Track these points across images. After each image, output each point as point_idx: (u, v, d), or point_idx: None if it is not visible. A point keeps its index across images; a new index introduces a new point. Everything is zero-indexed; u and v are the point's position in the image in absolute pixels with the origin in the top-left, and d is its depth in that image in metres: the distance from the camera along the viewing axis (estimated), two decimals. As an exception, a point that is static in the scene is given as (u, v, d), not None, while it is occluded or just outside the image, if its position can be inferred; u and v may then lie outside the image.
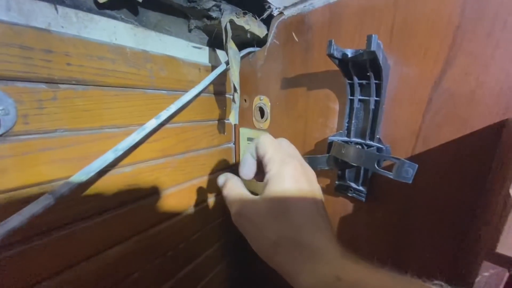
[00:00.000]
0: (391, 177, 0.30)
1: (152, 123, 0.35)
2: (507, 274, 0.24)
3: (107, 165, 0.32)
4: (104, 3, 0.36)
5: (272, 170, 0.26)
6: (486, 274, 0.24)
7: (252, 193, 0.29)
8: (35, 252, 0.31)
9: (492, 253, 0.24)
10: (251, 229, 0.26)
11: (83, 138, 0.34)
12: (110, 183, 0.38)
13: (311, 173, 0.30)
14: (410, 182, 0.28)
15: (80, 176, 0.28)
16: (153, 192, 0.46)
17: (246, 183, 0.31)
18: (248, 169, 0.31)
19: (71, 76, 0.32)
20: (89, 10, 0.36)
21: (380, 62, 0.31)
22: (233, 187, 0.30)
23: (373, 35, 0.29)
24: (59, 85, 0.32)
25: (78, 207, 0.35)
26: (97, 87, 0.35)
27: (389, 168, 0.31)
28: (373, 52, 0.30)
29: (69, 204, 0.33)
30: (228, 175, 0.32)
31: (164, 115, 0.36)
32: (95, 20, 0.36)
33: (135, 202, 0.43)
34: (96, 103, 0.35)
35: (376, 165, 0.31)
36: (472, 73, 0.31)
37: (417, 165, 0.28)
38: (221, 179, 0.32)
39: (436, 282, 0.20)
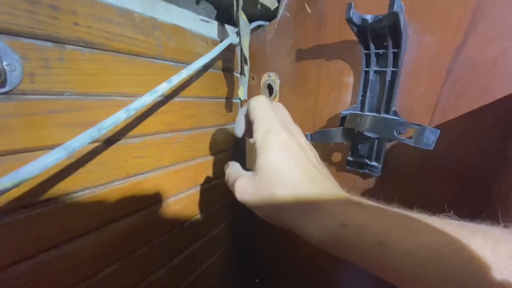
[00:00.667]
0: (411, 144, 0.29)
1: (164, 86, 0.34)
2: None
3: (118, 125, 0.31)
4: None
5: (257, 140, 0.27)
6: None
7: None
8: (38, 219, 0.30)
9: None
10: (253, 201, 0.26)
11: (91, 103, 0.33)
12: (118, 153, 0.37)
13: (300, 137, 0.30)
14: (431, 148, 0.28)
15: (92, 132, 0.26)
16: (160, 167, 0.45)
17: (248, 150, 0.32)
18: (239, 128, 0.33)
19: (78, 36, 0.31)
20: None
21: (401, 27, 0.30)
22: (232, 171, 0.31)
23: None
24: (66, 45, 0.30)
25: (85, 175, 0.34)
26: (104, 51, 0.34)
27: (409, 137, 0.31)
28: (396, 14, 0.28)
29: (76, 171, 0.32)
30: (228, 163, 0.34)
31: (176, 79, 0.35)
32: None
33: (142, 174, 0.42)
34: (104, 68, 0.34)
35: (395, 133, 0.30)
36: (495, 39, 0.30)
37: (439, 131, 0.27)
38: (226, 167, 0.34)
39: (443, 214, 0.20)
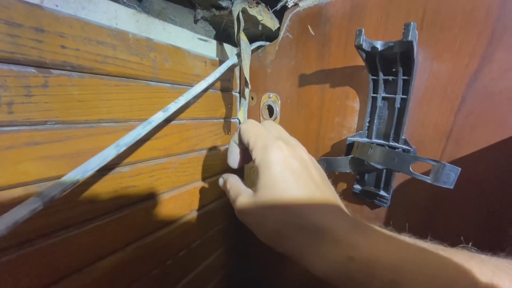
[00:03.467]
0: (428, 181, 0.26)
1: (159, 116, 0.31)
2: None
3: (107, 163, 0.28)
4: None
5: (257, 158, 0.25)
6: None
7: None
8: (17, 264, 0.26)
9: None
10: (253, 222, 0.25)
11: (77, 132, 0.30)
12: (106, 184, 0.34)
13: (301, 150, 0.28)
14: (452, 187, 0.25)
15: (75, 175, 0.23)
16: (153, 195, 0.41)
17: (246, 175, 0.31)
18: (233, 158, 0.32)
19: (65, 60, 0.28)
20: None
21: (415, 55, 0.29)
22: (232, 185, 0.30)
23: (411, 23, 0.26)
24: (51, 70, 0.27)
25: (69, 212, 0.30)
26: (95, 75, 0.31)
27: (424, 172, 0.28)
28: (410, 43, 0.27)
29: (60, 208, 0.29)
30: (227, 175, 0.33)
31: (173, 107, 0.32)
32: (94, 1, 0.32)
33: (133, 205, 0.38)
34: (93, 93, 0.31)
35: (411, 169, 0.28)
36: (512, 69, 0.28)
37: (460, 169, 0.25)
38: (221, 180, 0.33)
39: (460, 246, 0.19)
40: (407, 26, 0.26)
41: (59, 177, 0.28)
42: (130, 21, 0.36)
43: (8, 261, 0.26)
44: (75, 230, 0.31)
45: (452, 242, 0.20)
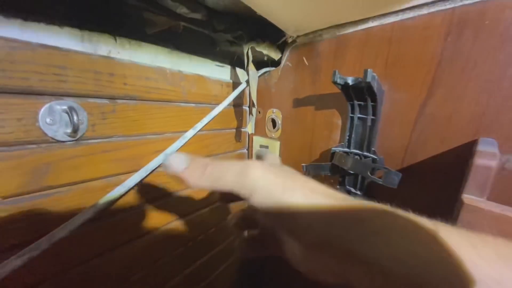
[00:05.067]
0: (380, 182, 0.37)
1: (190, 133, 0.43)
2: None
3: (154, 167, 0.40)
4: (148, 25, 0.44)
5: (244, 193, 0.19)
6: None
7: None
8: (104, 229, 0.39)
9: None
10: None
11: (132, 143, 0.43)
12: (155, 179, 0.46)
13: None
14: (396, 187, 0.36)
15: (142, 173, 0.36)
16: (180, 190, 0.54)
17: None
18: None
19: (126, 93, 0.41)
20: (138, 38, 0.44)
21: (375, 90, 0.39)
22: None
23: (368, 70, 0.36)
24: (117, 100, 0.40)
25: (132, 199, 0.43)
26: (144, 101, 0.44)
27: (380, 176, 0.38)
28: (368, 82, 0.37)
29: (127, 196, 0.42)
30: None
31: (199, 126, 0.45)
32: (142, 46, 0.45)
33: (167, 197, 0.51)
34: (143, 115, 0.44)
35: (369, 173, 0.38)
36: (449, 101, 0.38)
37: (401, 174, 0.35)
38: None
39: None
40: (365, 72, 0.36)
41: (121, 174, 0.40)
42: (166, 57, 0.49)
43: (98, 227, 0.38)
44: (130, 212, 0.44)
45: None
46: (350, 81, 0.41)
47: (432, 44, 0.38)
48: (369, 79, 0.37)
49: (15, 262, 0.28)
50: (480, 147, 0.28)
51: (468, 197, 0.26)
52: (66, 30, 0.35)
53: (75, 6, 0.37)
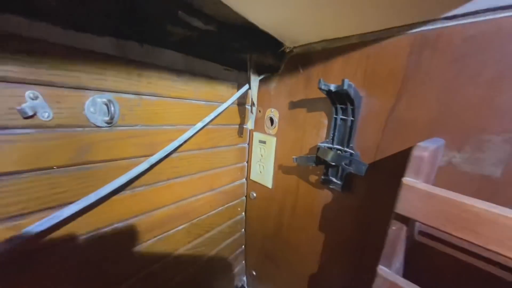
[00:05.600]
0: (351, 170, 0.45)
1: (199, 125, 0.52)
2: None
3: (174, 148, 0.50)
4: (174, 43, 0.54)
5: None
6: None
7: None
8: (122, 200, 0.49)
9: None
10: None
11: (152, 131, 0.52)
12: (166, 162, 0.56)
13: None
14: (363, 174, 0.44)
15: (164, 151, 0.46)
16: (190, 173, 0.63)
17: None
18: None
19: (150, 91, 0.50)
20: (160, 46, 0.54)
21: (352, 96, 0.48)
22: None
23: (345, 80, 0.45)
24: (142, 96, 0.49)
25: (149, 177, 0.52)
26: (163, 98, 0.53)
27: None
28: (346, 90, 0.46)
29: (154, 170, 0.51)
30: None
31: (207, 119, 0.54)
32: (163, 51, 0.54)
33: (176, 178, 0.60)
34: (162, 109, 0.53)
35: (344, 164, 0.47)
36: (412, 107, 0.46)
37: (367, 164, 0.44)
38: None
39: None
40: (343, 81, 0.45)
41: (141, 156, 0.50)
42: (181, 61, 0.58)
43: (113, 199, 0.48)
44: (151, 187, 0.53)
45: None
46: (332, 88, 0.49)
47: (400, 61, 0.46)
48: (345, 87, 0.45)
49: (70, 209, 0.38)
50: (422, 143, 0.37)
51: (406, 179, 0.34)
52: (106, 39, 0.44)
53: (113, 21, 0.46)
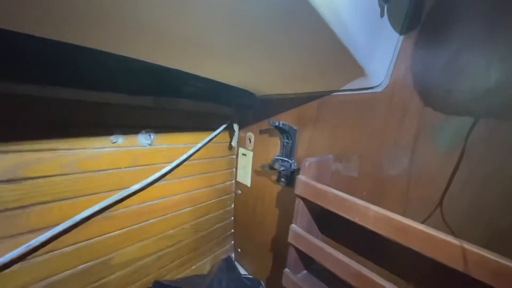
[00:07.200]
0: (283, 170, 0.80)
1: (199, 145, 0.88)
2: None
3: (185, 158, 0.86)
4: (187, 94, 0.91)
5: None
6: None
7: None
8: (161, 186, 0.85)
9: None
10: None
11: (171, 148, 0.88)
12: (182, 166, 0.92)
13: None
14: (289, 174, 0.78)
15: (183, 158, 0.82)
16: (195, 174, 0.98)
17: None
18: None
19: (169, 124, 0.87)
20: (173, 96, 0.90)
21: (287, 130, 0.82)
22: None
23: (280, 121, 0.80)
24: (167, 128, 0.86)
25: (174, 174, 0.88)
26: (180, 128, 0.89)
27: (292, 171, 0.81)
28: (281, 126, 0.80)
29: (173, 172, 0.87)
30: None
31: (206, 139, 0.90)
32: (175, 99, 0.91)
33: (184, 177, 0.95)
34: (176, 134, 0.89)
35: (281, 168, 0.81)
36: (319, 135, 0.80)
37: (297, 167, 0.78)
38: None
39: None
40: (279, 122, 0.80)
41: (167, 162, 0.86)
42: (189, 103, 0.94)
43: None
44: (171, 181, 0.89)
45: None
46: (277, 124, 0.84)
47: (313, 110, 0.81)
48: (280, 125, 0.80)
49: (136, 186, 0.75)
50: (308, 159, 0.70)
51: (299, 177, 0.68)
52: (150, 98, 0.81)
53: (153, 88, 0.84)
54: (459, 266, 0.40)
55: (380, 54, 0.58)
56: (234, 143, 1.02)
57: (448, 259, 0.42)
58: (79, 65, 0.65)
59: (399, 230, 0.48)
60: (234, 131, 1.11)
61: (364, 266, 0.56)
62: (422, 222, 0.50)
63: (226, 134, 1.09)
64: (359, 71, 0.59)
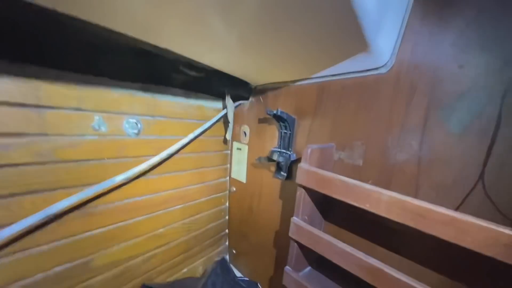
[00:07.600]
0: (282, 162, 0.74)
1: (192, 135, 0.82)
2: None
3: (176, 150, 0.80)
4: (177, 83, 0.85)
5: None
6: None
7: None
8: (147, 182, 0.78)
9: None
10: None
11: (161, 139, 0.82)
12: (172, 160, 0.85)
13: None
14: (288, 165, 0.73)
15: (168, 151, 0.75)
16: (185, 169, 0.92)
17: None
18: None
19: (161, 114, 0.80)
20: (168, 85, 0.84)
21: (285, 118, 0.77)
22: None
23: (278, 109, 0.75)
24: (156, 117, 0.80)
25: (163, 167, 0.81)
26: (170, 118, 0.83)
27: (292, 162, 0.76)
28: (279, 115, 0.76)
29: (162, 165, 0.80)
30: None
31: (198, 131, 0.84)
32: (170, 89, 0.85)
33: (176, 172, 0.89)
34: (167, 125, 0.83)
35: (281, 159, 0.76)
36: (321, 123, 0.75)
37: (296, 157, 0.73)
38: None
39: None
40: (276, 110, 0.75)
41: (155, 154, 0.79)
42: (182, 95, 0.88)
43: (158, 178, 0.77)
44: (160, 175, 0.82)
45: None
46: (276, 112, 0.79)
47: (313, 98, 0.76)
48: (278, 113, 0.75)
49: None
50: (310, 145, 0.66)
51: (301, 165, 0.63)
52: (137, 84, 0.75)
53: (142, 74, 0.77)
54: (492, 252, 0.35)
55: (387, 29, 0.54)
56: (228, 136, 0.96)
57: (479, 245, 0.37)
58: (56, 38, 0.57)
59: (416, 215, 0.43)
60: (229, 123, 1.06)
61: (372, 252, 0.51)
62: (464, 199, 0.46)
63: (220, 127, 1.03)
64: (363, 44, 0.54)
